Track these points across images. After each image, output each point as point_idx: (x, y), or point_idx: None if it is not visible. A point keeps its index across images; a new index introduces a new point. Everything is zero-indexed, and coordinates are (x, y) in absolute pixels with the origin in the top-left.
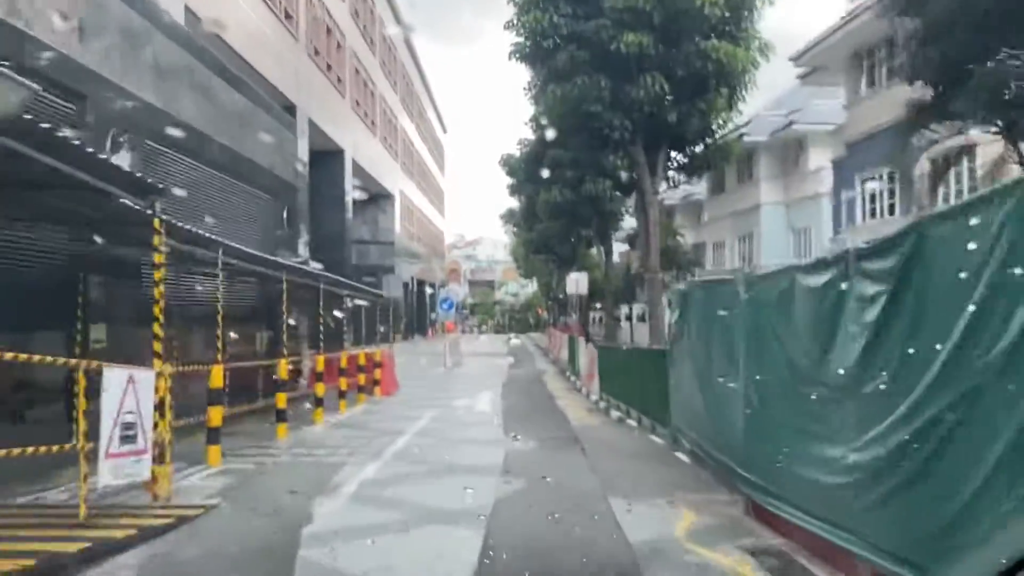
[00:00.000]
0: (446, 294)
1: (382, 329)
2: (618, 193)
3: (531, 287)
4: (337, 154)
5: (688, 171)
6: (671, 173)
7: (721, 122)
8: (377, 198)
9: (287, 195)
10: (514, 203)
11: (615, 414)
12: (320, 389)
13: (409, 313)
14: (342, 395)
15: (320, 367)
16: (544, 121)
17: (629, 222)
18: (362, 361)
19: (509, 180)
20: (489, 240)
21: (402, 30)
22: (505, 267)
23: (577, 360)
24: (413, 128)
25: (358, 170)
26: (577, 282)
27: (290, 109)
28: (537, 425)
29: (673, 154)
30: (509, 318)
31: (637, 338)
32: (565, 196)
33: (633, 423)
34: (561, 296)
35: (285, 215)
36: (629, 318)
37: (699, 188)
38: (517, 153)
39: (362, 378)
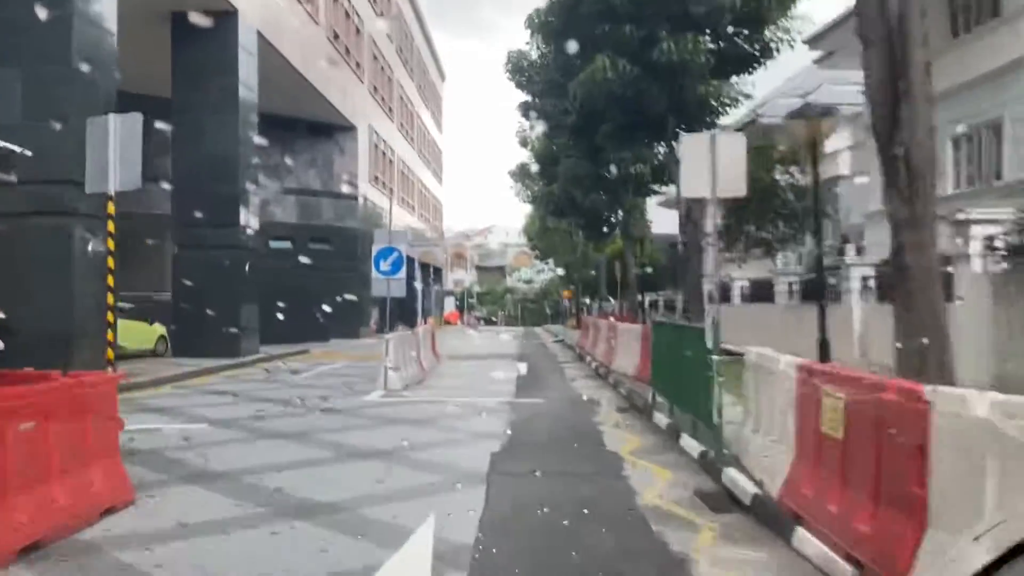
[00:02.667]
0: (390, 243)
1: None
2: (720, 82)
3: (548, 271)
4: (223, 18)
5: None
6: None
7: None
8: (326, 129)
9: None
10: (525, 155)
11: None
12: None
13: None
14: None
15: None
16: None
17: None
18: None
19: (519, 124)
20: (502, 228)
21: None
22: (518, 251)
23: (700, 395)
24: (393, 50)
25: (276, 63)
26: (719, 152)
27: None
28: None
29: None
30: (522, 308)
31: (885, 352)
32: (621, 72)
33: None
34: (593, 272)
35: None
36: (722, 298)
37: (824, 91)
38: (533, 48)
39: None
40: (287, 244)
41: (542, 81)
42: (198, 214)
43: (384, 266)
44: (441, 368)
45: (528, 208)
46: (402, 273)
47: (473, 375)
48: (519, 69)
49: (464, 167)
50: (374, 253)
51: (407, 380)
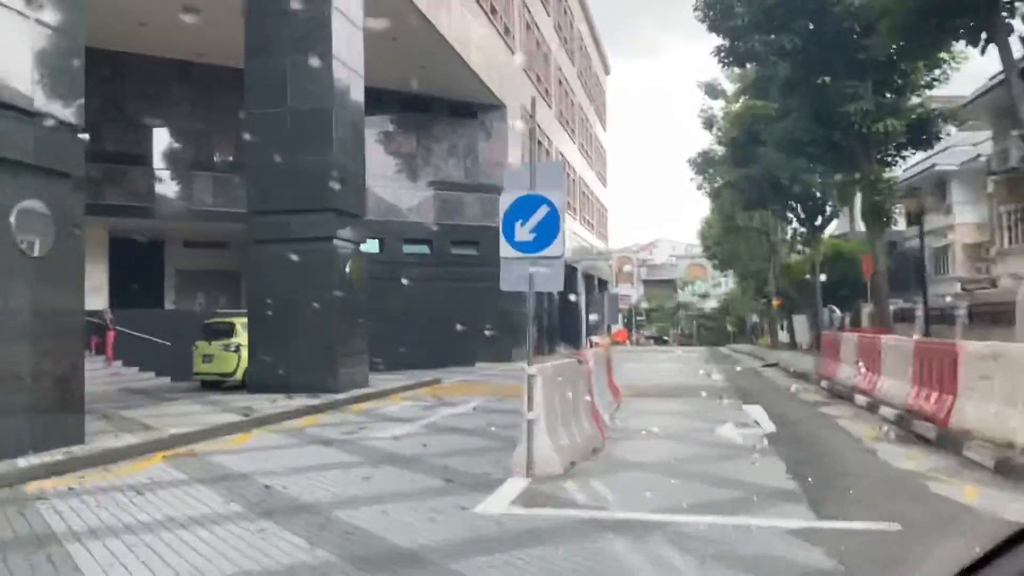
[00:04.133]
0: (532, 189)
1: None
2: None
3: (728, 284)
4: None
5: None
6: None
7: None
8: (469, 109)
9: None
10: (707, 139)
11: None
12: None
13: (546, 314)
14: None
15: None
16: None
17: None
18: None
19: (703, 102)
20: (667, 243)
21: None
22: (691, 263)
23: None
24: (550, 24)
25: (399, 14)
26: None
27: None
28: None
29: None
30: (698, 325)
31: None
32: None
33: None
34: (809, 276)
35: None
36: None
37: None
38: None
39: None
40: (424, 248)
41: (748, 12)
42: (276, 196)
43: (521, 233)
44: (624, 417)
45: (704, 211)
46: (557, 247)
47: (684, 435)
48: (714, 3)
49: (627, 183)
50: (502, 209)
51: (571, 454)
